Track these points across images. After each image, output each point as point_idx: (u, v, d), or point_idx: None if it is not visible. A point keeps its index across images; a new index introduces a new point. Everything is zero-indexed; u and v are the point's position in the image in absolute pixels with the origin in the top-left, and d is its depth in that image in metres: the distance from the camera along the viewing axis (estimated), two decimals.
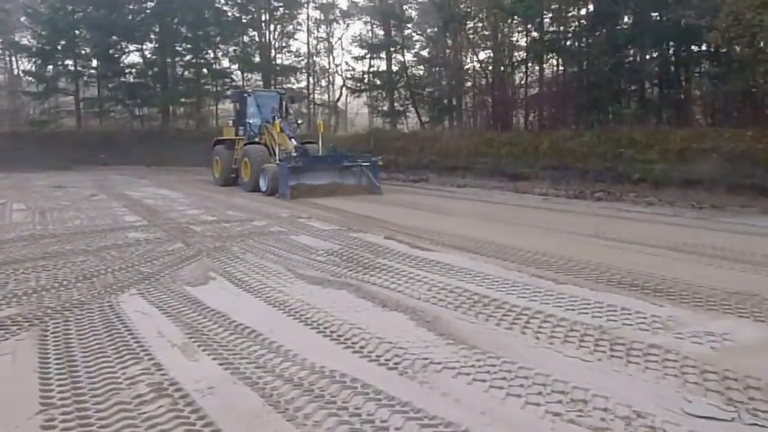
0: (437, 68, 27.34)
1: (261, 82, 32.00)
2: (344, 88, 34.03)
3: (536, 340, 4.82)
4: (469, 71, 25.29)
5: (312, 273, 7.01)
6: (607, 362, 4.40)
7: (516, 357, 4.48)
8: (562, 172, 16.47)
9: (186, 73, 33.42)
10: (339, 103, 34.87)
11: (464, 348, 4.65)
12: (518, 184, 17.22)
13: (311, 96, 33.83)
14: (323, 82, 35.38)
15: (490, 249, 8.23)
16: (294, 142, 16.85)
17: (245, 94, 19.34)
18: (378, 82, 30.33)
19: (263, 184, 16.11)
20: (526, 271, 6.93)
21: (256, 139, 18.14)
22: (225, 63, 33.63)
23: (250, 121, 18.68)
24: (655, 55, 18.57)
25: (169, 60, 32.49)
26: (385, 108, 30.14)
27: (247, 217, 11.77)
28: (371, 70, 31.13)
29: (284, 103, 19.63)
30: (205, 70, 32.82)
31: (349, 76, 32.83)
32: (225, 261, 7.67)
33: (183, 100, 32.75)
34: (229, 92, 27.69)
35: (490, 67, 23.81)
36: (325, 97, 35.51)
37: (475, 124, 24.17)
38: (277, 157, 16.08)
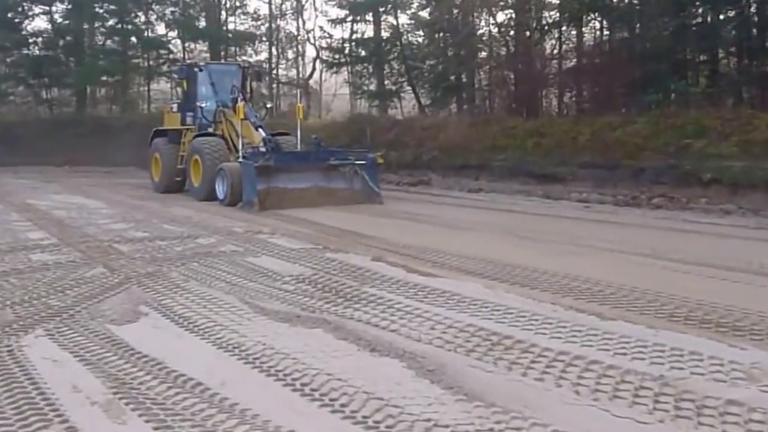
0: (441, 34, 27.50)
1: (208, 54, 32.13)
2: (318, 62, 34.25)
3: (576, 395, 4.81)
4: (484, 38, 25.51)
5: (276, 306, 6.99)
6: (671, 424, 4.40)
7: (549, 417, 4.47)
8: (608, 171, 16.58)
9: (108, 42, 33.53)
10: (311, 82, 35.07)
11: (480, 406, 4.64)
12: (550, 188, 17.33)
13: (274, 72, 34.00)
14: (290, 54, 35.65)
15: (514, 274, 8.24)
16: (262, 132, 16.88)
17: (195, 69, 19.41)
18: (363, 53, 30.52)
19: (221, 191, 16.17)
20: (562, 303, 6.94)
21: (210, 129, 18.25)
22: (160, 29, 33.80)
23: (202, 105, 18.70)
24: (731, 14, 18.57)
25: (86, 26, 32.59)
26: (373, 87, 30.32)
27: (191, 232, 11.74)
28: (354, 37, 31.35)
29: (248, 80, 19.77)
30: (133, 39, 32.95)
31: (324, 45, 33.08)
32: (161, 291, 7.65)
33: (105, 78, 32.86)
34: (172, 68, 27.76)
35: (512, 33, 24.02)
36: (293, 73, 35.76)
37: (492, 108, 24.35)
38: (239, 154, 16.07)
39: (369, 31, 30.69)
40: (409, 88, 28.73)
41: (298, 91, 26.04)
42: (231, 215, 14.12)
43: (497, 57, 24.85)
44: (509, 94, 23.64)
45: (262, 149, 15.96)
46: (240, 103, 16.95)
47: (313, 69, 34.99)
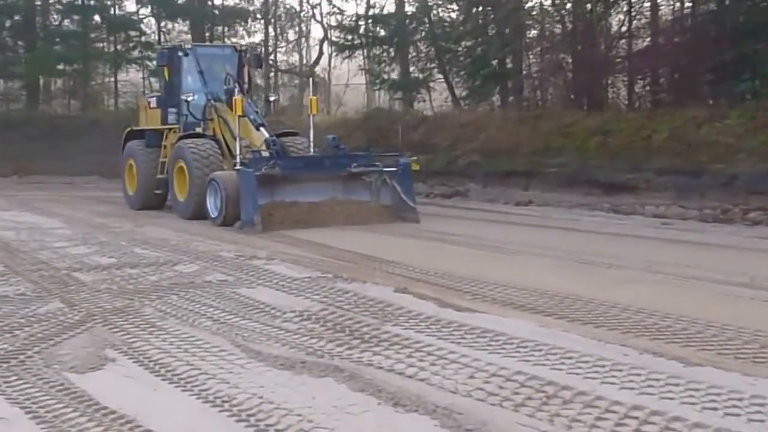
0: (480, 8, 27.54)
1: (189, 36, 32.38)
2: (326, 44, 34.43)
3: None
4: (534, 13, 25.50)
5: (276, 350, 7.00)
6: None
7: None
8: (692, 178, 16.50)
9: (66, 23, 33.86)
10: (318, 69, 35.26)
11: None
12: (618, 200, 17.28)
13: (271, 58, 34.19)
14: (291, 35, 35.93)
15: (573, 308, 8.21)
16: (265, 132, 16.89)
17: (179, 53, 19.29)
18: (382, 33, 30.62)
19: (212, 207, 16.12)
20: (634, 345, 6.91)
21: (199, 129, 18.29)
22: (130, 6, 34.17)
23: (189, 99, 18.54)
24: None
25: (38, 2, 32.94)
26: (395, 76, 30.36)
27: (168, 258, 11.80)
28: (371, 13, 31.50)
29: (246, 66, 19.68)
30: (97, 18, 33.27)
31: (334, 23, 33.26)
32: (132, 331, 7.68)
33: (61, 67, 33.12)
34: (150, 52, 27.96)
35: (569, 5, 23.99)
36: (295, 59, 36.01)
37: (545, 101, 24.34)
38: (236, 160, 15.91)
39: (390, 6, 30.87)
40: (441, 76, 28.78)
41: (298, 81, 26.12)
42: (218, 236, 14.18)
43: (551, 36, 24.86)
44: (566, 82, 23.63)
45: (265, 153, 15.99)
46: (237, 96, 16.80)
47: (320, 53, 35.31)
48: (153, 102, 20.08)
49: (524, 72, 25.67)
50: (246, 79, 19.38)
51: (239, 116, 16.54)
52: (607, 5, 23.27)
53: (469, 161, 21.14)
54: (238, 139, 16.31)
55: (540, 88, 25.26)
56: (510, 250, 12.34)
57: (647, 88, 22.26)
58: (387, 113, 27.59)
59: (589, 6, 23.24)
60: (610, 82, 22.87)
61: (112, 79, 34.40)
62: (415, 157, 17.10)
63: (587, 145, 18.86)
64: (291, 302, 8.77)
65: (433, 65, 29.15)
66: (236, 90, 17.39)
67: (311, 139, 17.62)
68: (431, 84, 29.51)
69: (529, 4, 25.63)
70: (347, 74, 34.89)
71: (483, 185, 20.56)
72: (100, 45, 33.98)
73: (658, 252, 11.83)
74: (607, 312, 8.04)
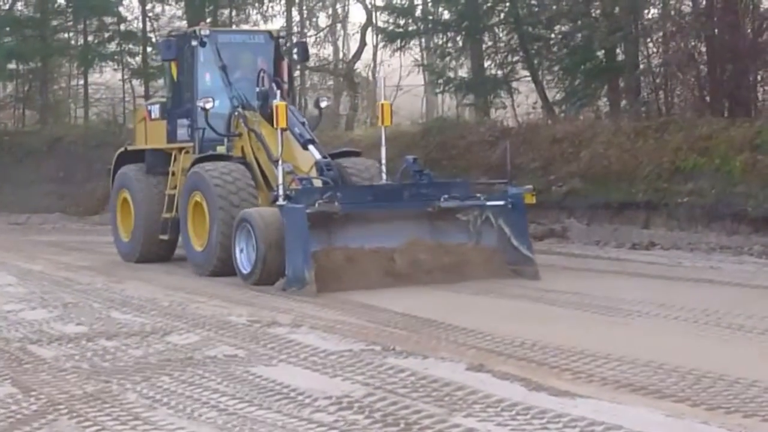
0: None
1: (185, 23, 32.68)
2: (371, 32, 34.60)
3: None
4: None
5: None
6: None
7: None
8: None
9: (19, 6, 34.30)
10: (359, 66, 35.42)
11: None
12: None
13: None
14: (322, 20, 36.17)
15: (714, 392, 8.12)
16: (315, 152, 16.71)
17: (194, 42, 18.82)
18: (447, 16, 30.73)
19: (245, 259, 15.76)
20: None
21: (222, 149, 18.00)
22: None
23: (208, 106, 17.69)
24: None
25: None
26: (464, 73, 30.38)
27: (158, 324, 11.87)
28: None
29: (284, 60, 19.43)
30: (61, 1, 33.67)
31: (381, 2, 33.42)
32: (109, 426, 7.73)
33: (12, 66, 33.48)
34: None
35: None
36: (328, 52, 36.19)
37: (670, 105, 24.21)
38: (278, 191, 15.34)
39: None
40: (527, 73, 28.74)
41: (333, 81, 26.05)
42: (225, 295, 14.22)
43: (678, 17, 24.76)
44: (700, 79, 23.51)
45: (317, 182, 15.83)
46: (278, 101, 16.25)
47: (362, 44, 35.42)
48: (155, 111, 19.89)
49: (642, 66, 25.59)
50: (285, 78, 19.04)
51: (282, 129, 16.01)
52: None
53: (568, 189, 21.09)
54: (280, 163, 15.76)
55: (664, 87, 25.15)
56: (625, 311, 12.28)
57: None
58: (455, 124, 27.55)
59: None
60: (760, 78, 22.75)
61: (81, 81, 34.72)
62: (530, 187, 16.52)
63: (731, 166, 18.72)
64: (325, 385, 8.75)
65: (516, 59, 29.11)
66: (277, 93, 16.81)
67: (383, 160, 17.24)
68: (514, 84, 29.44)
69: None
70: (399, 72, 35.04)
71: (587, 222, 20.50)
72: (65, 36, 34.40)
73: None
74: (760, 397, 7.93)
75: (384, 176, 17.11)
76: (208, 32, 19.19)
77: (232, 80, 18.52)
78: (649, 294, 13.53)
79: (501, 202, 15.80)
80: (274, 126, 16.04)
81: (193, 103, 18.47)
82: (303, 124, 17.34)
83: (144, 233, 18.94)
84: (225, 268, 16.21)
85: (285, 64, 19.29)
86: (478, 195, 16.15)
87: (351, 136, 26.18)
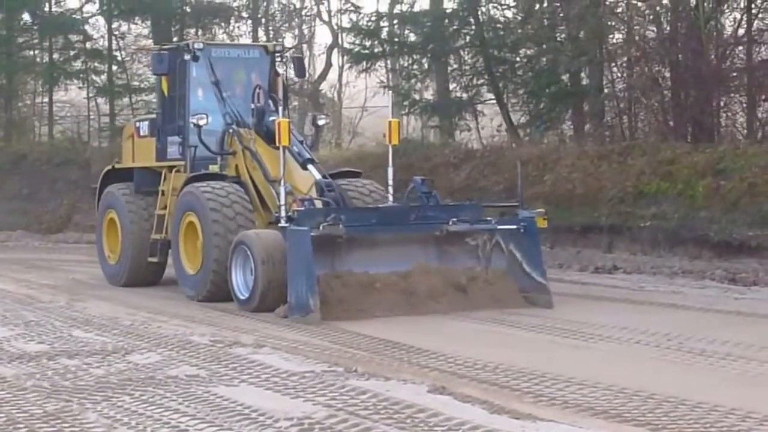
0: (546, 3, 27.63)
1: (151, 40, 32.62)
2: (337, 53, 34.66)
3: None
4: (619, 10, 25.57)
5: None
6: None
7: None
8: None
9: None
10: (325, 86, 35.46)
11: None
12: (738, 266, 17.22)
13: None
14: (288, 40, 36.14)
15: (675, 416, 8.11)
16: (315, 172, 16.49)
17: (187, 56, 18.33)
18: (412, 38, 30.81)
19: (242, 284, 15.30)
20: None
21: (215, 167, 17.69)
22: (71, 2, 34.55)
23: (201, 123, 17.35)
24: None
25: None
26: (429, 95, 30.45)
27: (119, 343, 11.80)
28: (397, 10, 31.74)
29: (279, 77, 19.34)
30: (26, 17, 33.61)
31: (347, 24, 33.47)
32: None
33: None
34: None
35: (666, 0, 24.04)
36: (292, 72, 36.17)
37: (633, 129, 24.32)
38: (281, 212, 15.04)
39: (423, 1, 31.08)
40: (492, 96, 28.83)
41: (298, 102, 25.95)
42: (187, 314, 14.18)
43: (642, 42, 24.91)
44: (663, 104, 23.64)
45: (318, 203, 15.56)
46: (281, 118, 15.98)
47: (328, 65, 35.49)
48: (143, 128, 19.43)
49: (606, 90, 25.72)
50: (281, 95, 18.39)
51: (283, 147, 15.63)
52: (718, 2, 23.32)
53: (530, 210, 21.11)
54: (282, 183, 15.44)
55: (628, 112, 25.25)
56: (588, 334, 12.30)
57: None
58: (419, 145, 27.57)
59: (693, 1, 23.29)
60: (723, 103, 22.88)
61: (46, 99, 34.61)
62: (542, 210, 16.32)
63: (694, 191, 18.82)
64: (286, 406, 8.71)
65: (481, 81, 29.17)
66: (279, 110, 16.60)
67: (390, 181, 16.90)
68: (479, 107, 29.53)
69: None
70: (365, 93, 35.11)
71: (550, 245, 20.53)
72: (30, 53, 34.30)
73: None
74: (720, 421, 7.93)
75: (390, 197, 16.83)
76: (201, 46, 18.78)
77: (225, 96, 18.17)
78: (612, 318, 13.56)
79: (513, 226, 15.54)
80: (276, 144, 15.68)
81: (185, 120, 18.04)
82: (301, 142, 17.16)
83: (132, 255, 18.42)
84: (220, 292, 15.82)
85: (280, 80, 19.07)
86: (489, 218, 15.90)
87: (316, 157, 26.17)
